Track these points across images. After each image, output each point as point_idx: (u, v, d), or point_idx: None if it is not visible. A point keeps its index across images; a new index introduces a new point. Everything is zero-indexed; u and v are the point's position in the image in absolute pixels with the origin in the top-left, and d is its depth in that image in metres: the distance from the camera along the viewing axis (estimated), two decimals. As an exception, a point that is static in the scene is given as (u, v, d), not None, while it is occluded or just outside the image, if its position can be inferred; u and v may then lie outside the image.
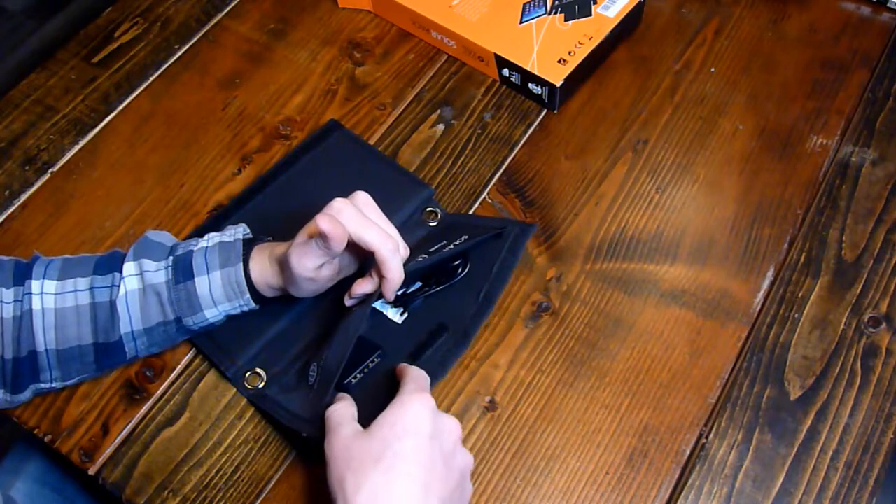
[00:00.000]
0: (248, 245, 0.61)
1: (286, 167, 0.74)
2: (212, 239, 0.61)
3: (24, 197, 0.74)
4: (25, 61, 0.84)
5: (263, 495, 0.60)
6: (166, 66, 0.83)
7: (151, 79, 0.82)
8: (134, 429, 0.62)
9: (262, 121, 0.78)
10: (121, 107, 0.80)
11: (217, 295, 0.60)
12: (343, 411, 0.55)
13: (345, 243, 0.55)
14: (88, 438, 0.62)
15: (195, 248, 0.60)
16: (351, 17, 0.86)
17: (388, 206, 0.68)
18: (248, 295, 0.60)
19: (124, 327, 0.59)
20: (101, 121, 0.79)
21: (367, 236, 0.56)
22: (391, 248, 0.57)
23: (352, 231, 0.56)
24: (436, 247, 0.65)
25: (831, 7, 0.84)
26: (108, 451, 0.62)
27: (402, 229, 0.69)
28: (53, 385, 0.61)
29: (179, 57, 0.83)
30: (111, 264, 0.60)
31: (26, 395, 0.61)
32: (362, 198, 0.59)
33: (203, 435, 0.62)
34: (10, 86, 0.81)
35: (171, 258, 0.60)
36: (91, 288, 0.59)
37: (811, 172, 0.73)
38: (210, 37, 0.85)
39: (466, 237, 0.66)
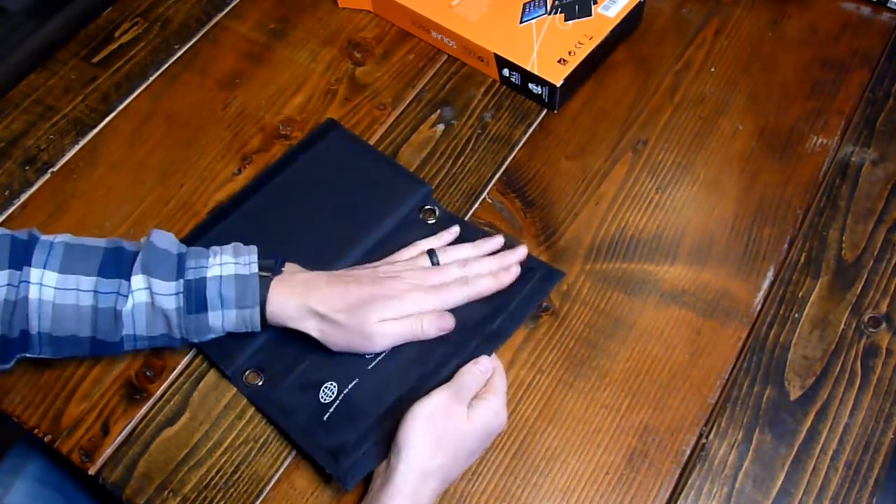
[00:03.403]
0: (265, 276, 0.60)
1: (284, 166, 0.74)
2: (225, 265, 0.59)
3: (24, 197, 0.74)
4: (25, 61, 0.84)
5: (263, 495, 0.60)
6: (166, 66, 0.83)
7: (151, 79, 0.82)
8: (134, 429, 0.62)
9: (262, 121, 0.78)
10: (121, 107, 0.80)
11: (228, 326, 0.60)
12: None
13: None
14: (88, 438, 0.62)
15: (208, 276, 0.59)
16: (351, 17, 0.86)
17: (385, 206, 0.68)
18: (259, 328, 0.61)
19: (127, 331, 0.59)
20: (101, 121, 0.79)
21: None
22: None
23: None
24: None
25: (831, 7, 0.84)
26: (108, 451, 0.62)
27: (399, 229, 0.69)
28: (41, 356, 0.60)
29: (179, 57, 0.83)
30: (118, 268, 0.58)
31: (9, 365, 0.60)
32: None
33: (203, 435, 0.62)
34: (10, 86, 0.81)
35: (181, 282, 0.58)
36: (95, 291, 0.58)
37: (811, 172, 0.73)
38: (210, 37, 0.85)
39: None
